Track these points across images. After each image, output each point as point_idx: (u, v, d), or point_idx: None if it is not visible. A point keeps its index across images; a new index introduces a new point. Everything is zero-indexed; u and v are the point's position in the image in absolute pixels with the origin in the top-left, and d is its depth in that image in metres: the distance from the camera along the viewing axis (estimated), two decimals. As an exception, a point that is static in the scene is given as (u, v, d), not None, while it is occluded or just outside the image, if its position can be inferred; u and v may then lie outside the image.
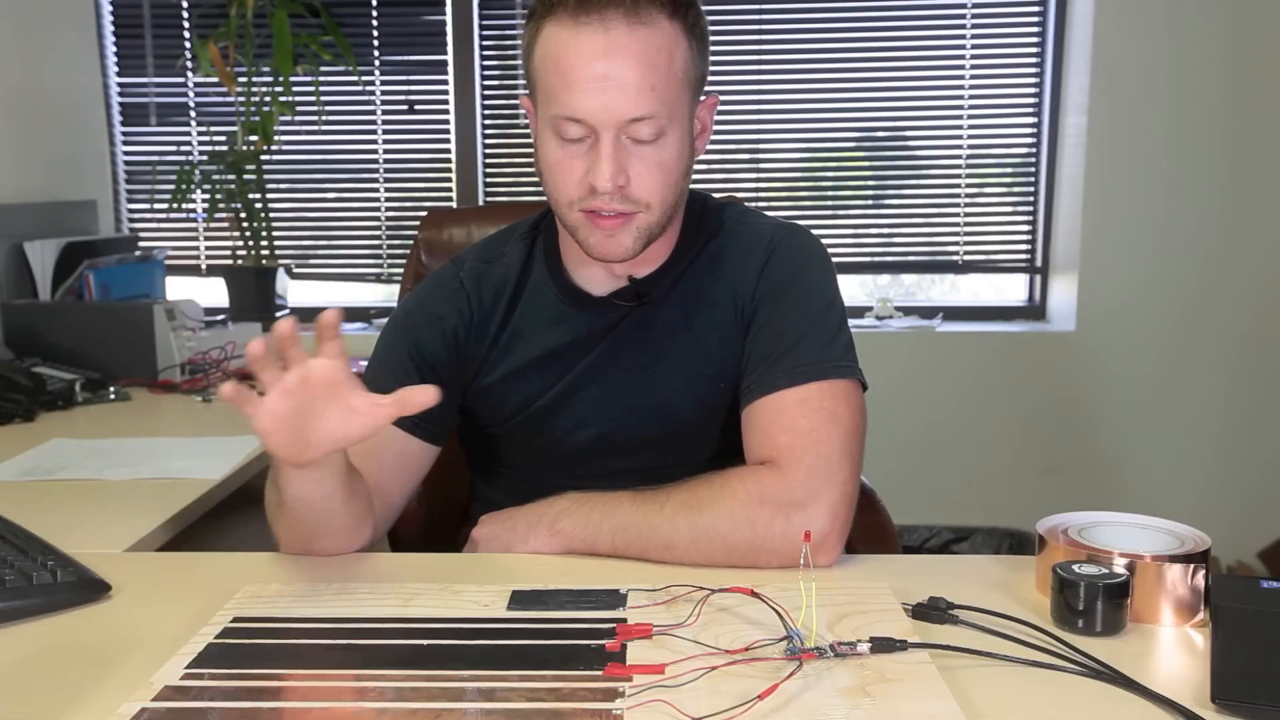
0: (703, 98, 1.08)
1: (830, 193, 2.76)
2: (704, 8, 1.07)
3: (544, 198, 1.10)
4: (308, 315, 3.07)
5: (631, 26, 0.98)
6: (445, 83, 2.74)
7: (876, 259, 2.76)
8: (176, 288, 2.72)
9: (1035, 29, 2.65)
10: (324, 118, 2.70)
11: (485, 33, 2.73)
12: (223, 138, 2.69)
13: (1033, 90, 2.67)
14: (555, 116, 1.01)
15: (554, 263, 1.15)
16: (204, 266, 2.84)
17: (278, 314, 2.64)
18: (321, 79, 2.65)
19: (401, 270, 1.66)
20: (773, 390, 1.04)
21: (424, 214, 1.64)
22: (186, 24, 2.75)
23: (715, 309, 1.12)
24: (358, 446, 0.94)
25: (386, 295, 2.88)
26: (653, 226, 1.05)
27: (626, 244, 1.05)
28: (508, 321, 1.14)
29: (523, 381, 1.13)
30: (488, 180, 2.77)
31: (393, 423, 1.00)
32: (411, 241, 1.64)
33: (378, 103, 2.75)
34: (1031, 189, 2.72)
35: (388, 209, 2.80)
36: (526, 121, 1.14)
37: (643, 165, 1.02)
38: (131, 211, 2.83)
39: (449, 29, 2.72)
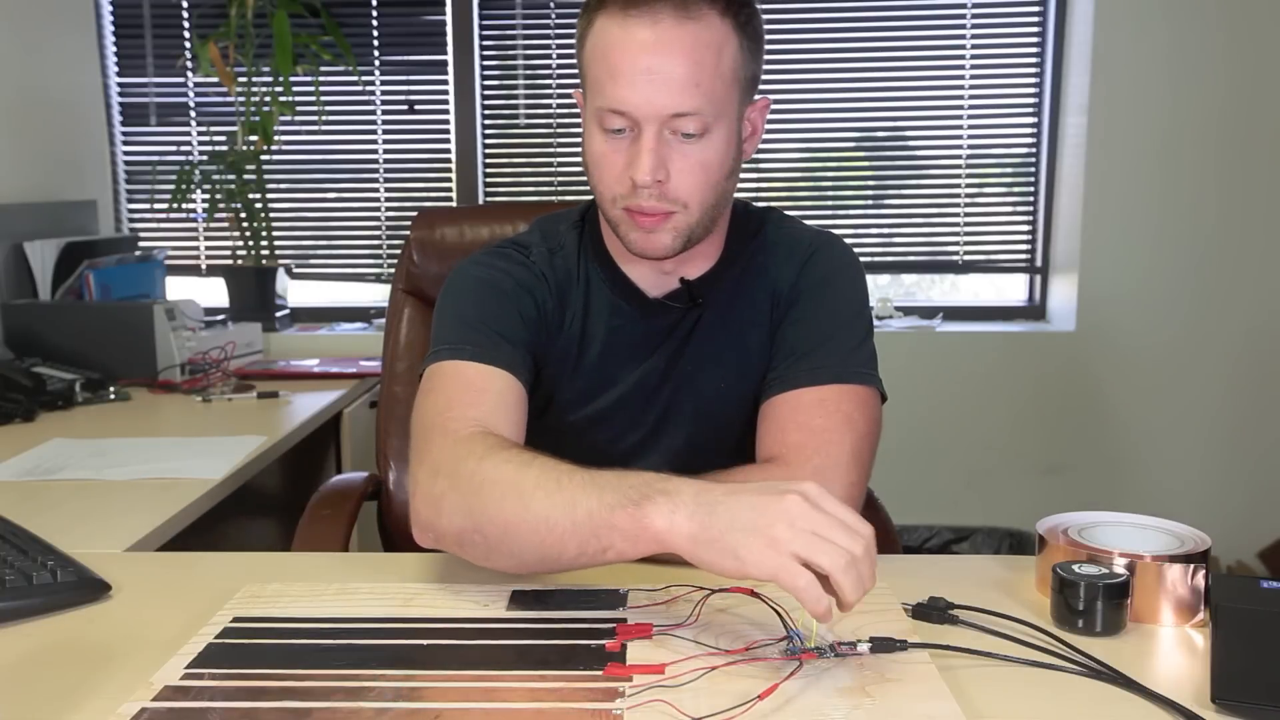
0: (755, 99, 1.07)
1: (830, 193, 2.76)
2: None
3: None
4: (308, 315, 3.07)
5: (680, 21, 0.97)
6: (445, 83, 2.74)
7: (876, 259, 2.76)
8: (176, 288, 2.72)
9: (1035, 29, 2.65)
10: (324, 118, 2.69)
11: (485, 33, 2.73)
12: (223, 138, 2.69)
13: (1033, 90, 2.67)
14: (600, 108, 1.01)
15: (604, 258, 1.15)
16: (204, 266, 2.84)
17: (278, 314, 2.64)
18: (321, 79, 2.65)
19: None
20: (793, 387, 1.05)
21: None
22: (186, 24, 2.74)
23: (755, 310, 1.13)
24: (497, 404, 0.99)
25: (386, 295, 2.88)
26: (693, 227, 1.05)
27: (665, 241, 1.04)
28: (576, 312, 1.14)
29: (581, 377, 1.14)
30: (487, 180, 2.77)
31: (500, 367, 1.03)
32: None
33: (378, 103, 2.75)
34: (1031, 189, 2.71)
35: (388, 209, 2.80)
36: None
37: (684, 163, 1.01)
38: (131, 211, 2.83)
39: (449, 29, 2.71)
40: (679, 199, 1.02)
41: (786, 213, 1.21)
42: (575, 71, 1.08)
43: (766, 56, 1.07)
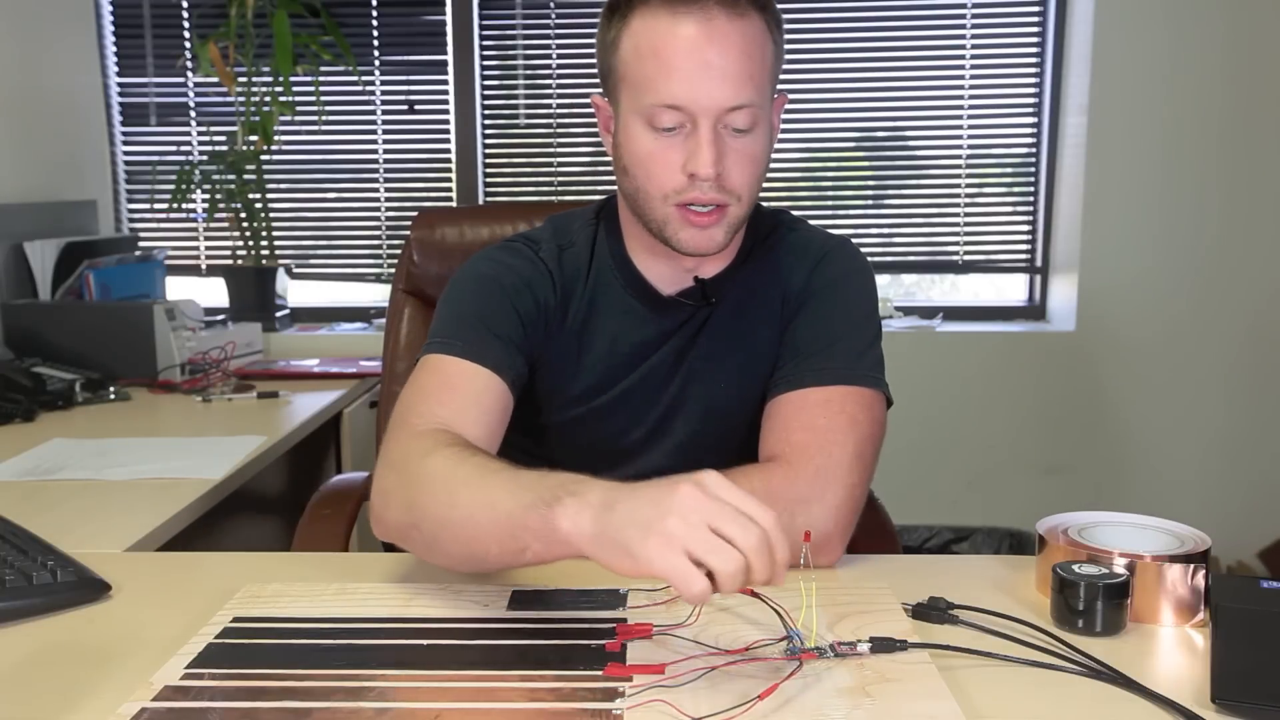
0: (774, 96, 1.08)
1: (830, 193, 2.76)
2: None
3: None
4: (308, 315, 3.07)
5: (731, 18, 0.99)
6: (445, 83, 2.74)
7: (876, 259, 2.76)
8: (176, 288, 2.72)
9: (1035, 29, 2.65)
10: (324, 118, 2.69)
11: (485, 33, 2.73)
12: (223, 138, 2.69)
13: (1033, 90, 2.67)
14: (651, 105, 1.00)
15: (619, 256, 1.15)
16: (204, 266, 2.84)
17: (278, 314, 2.64)
18: (321, 79, 2.65)
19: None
20: (798, 387, 1.06)
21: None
22: (186, 24, 2.74)
23: (765, 310, 1.14)
24: (468, 403, 1.00)
25: (386, 295, 2.88)
26: (740, 220, 1.06)
27: (719, 238, 1.05)
28: (581, 309, 1.14)
29: (585, 373, 1.14)
30: (487, 180, 2.77)
31: (485, 366, 1.04)
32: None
33: (378, 103, 2.75)
34: (1031, 189, 2.71)
35: (388, 209, 2.80)
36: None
37: (736, 156, 1.02)
38: (131, 211, 2.83)
39: (449, 29, 2.71)
40: (734, 191, 1.03)
41: (796, 214, 1.22)
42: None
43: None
